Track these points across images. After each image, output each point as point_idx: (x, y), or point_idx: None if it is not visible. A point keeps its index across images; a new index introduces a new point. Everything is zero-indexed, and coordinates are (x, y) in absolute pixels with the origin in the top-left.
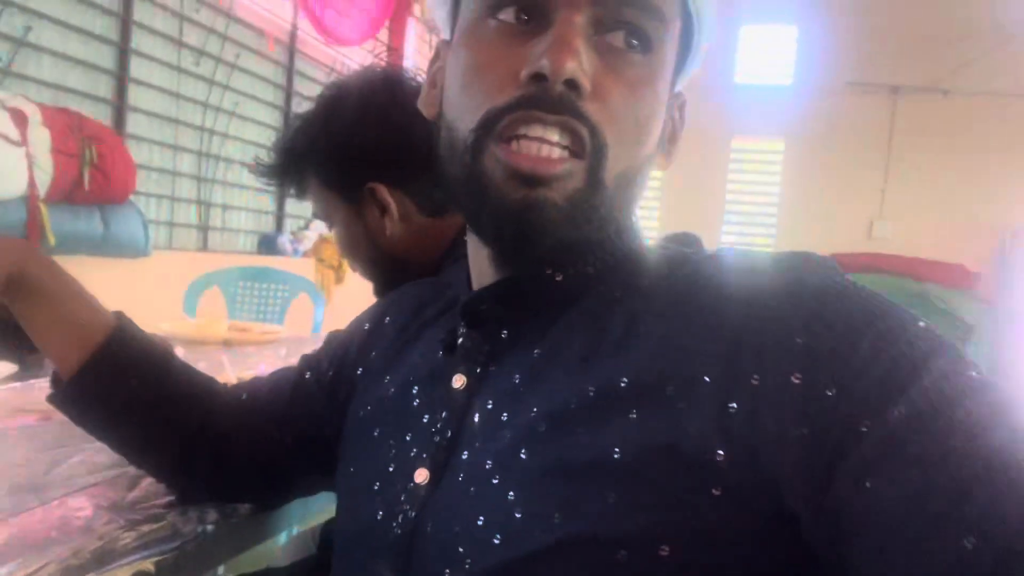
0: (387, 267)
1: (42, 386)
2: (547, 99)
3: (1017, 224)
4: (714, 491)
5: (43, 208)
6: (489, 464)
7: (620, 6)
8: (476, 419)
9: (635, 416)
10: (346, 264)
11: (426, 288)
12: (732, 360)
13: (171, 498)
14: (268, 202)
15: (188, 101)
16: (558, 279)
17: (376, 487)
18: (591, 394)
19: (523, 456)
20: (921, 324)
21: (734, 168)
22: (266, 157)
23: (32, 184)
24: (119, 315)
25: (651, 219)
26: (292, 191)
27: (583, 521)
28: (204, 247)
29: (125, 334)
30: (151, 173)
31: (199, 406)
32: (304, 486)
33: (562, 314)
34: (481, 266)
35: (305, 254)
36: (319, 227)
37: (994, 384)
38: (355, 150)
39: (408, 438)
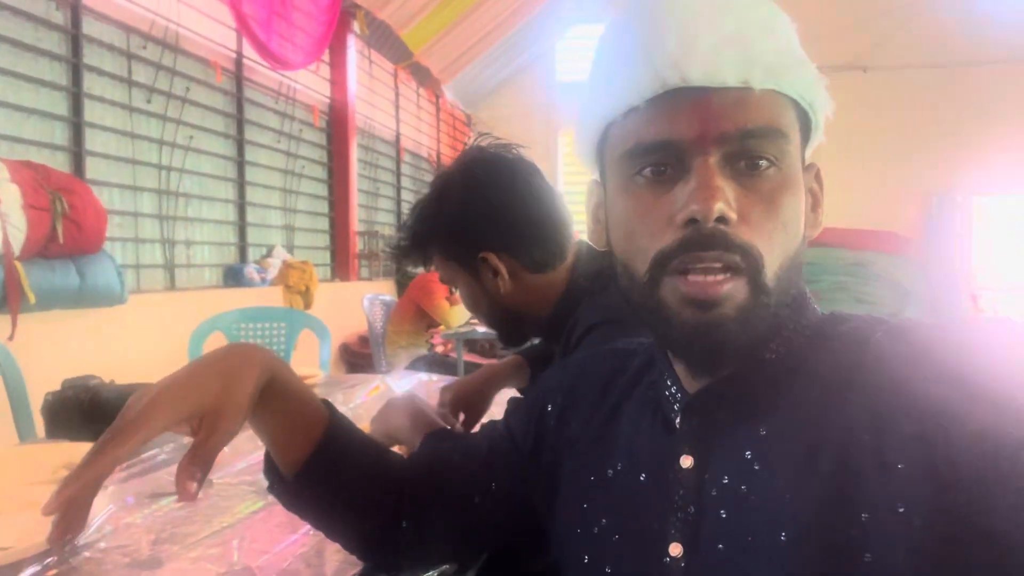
0: (506, 318)
1: (149, 465)
2: (702, 239)
3: (944, 189)
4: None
5: (19, 266)
6: (751, 539)
7: (743, 140)
8: (714, 492)
9: (883, 487)
10: (313, 289)
11: (610, 358)
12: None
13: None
14: (230, 233)
15: (143, 140)
16: (764, 373)
17: (624, 564)
18: (827, 475)
19: (783, 538)
20: None
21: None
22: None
23: (6, 243)
24: (327, 403)
25: None
26: (420, 264)
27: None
28: (172, 286)
29: (337, 423)
30: (113, 217)
31: (399, 480)
32: (496, 543)
33: (776, 395)
34: (682, 368)
35: (272, 282)
36: (282, 253)
37: None
38: (465, 228)
39: (648, 516)
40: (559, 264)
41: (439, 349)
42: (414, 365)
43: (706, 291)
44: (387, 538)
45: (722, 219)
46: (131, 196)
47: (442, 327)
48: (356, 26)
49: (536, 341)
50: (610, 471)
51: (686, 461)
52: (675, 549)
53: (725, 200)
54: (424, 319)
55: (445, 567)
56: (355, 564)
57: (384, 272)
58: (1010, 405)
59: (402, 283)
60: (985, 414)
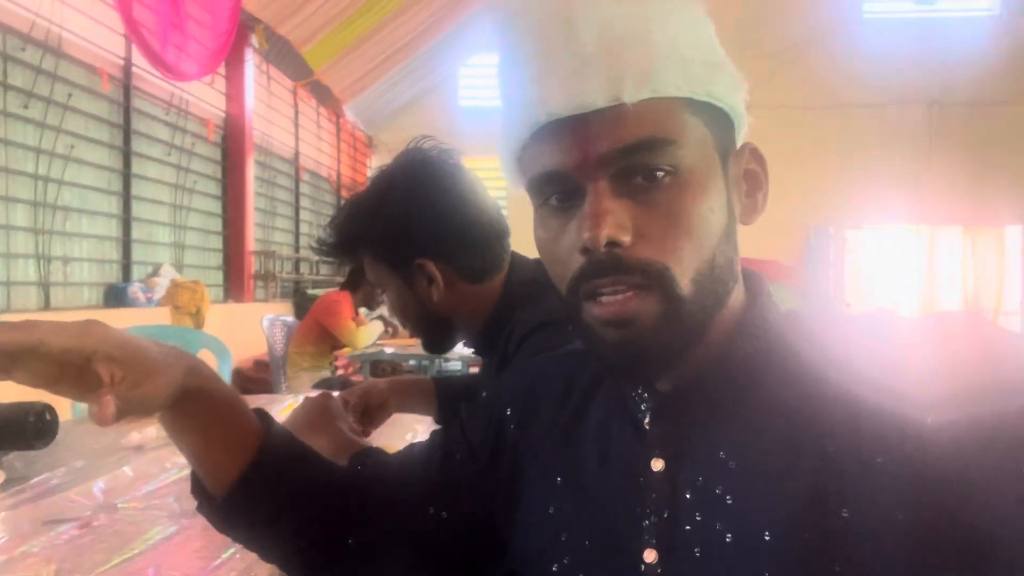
0: (435, 326)
1: (41, 490)
2: (599, 266)
3: (820, 222)
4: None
5: None
6: (729, 540)
7: (625, 157)
8: (688, 495)
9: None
10: (205, 310)
11: (568, 361)
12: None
13: None
14: (113, 250)
15: (18, 147)
16: (732, 373)
17: (596, 571)
18: (807, 472)
19: (766, 537)
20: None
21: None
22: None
23: None
24: (261, 413)
25: None
26: (346, 263)
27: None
28: (46, 306)
29: (274, 435)
30: None
31: (343, 494)
32: (451, 556)
33: (746, 394)
34: None
35: (159, 303)
36: (170, 272)
37: None
38: (405, 233)
39: (620, 521)
40: (496, 275)
41: (341, 372)
42: (320, 387)
43: (619, 310)
44: (331, 558)
45: (615, 243)
46: (3, 208)
47: (347, 348)
48: (255, 40)
49: (467, 351)
50: (578, 474)
51: (657, 464)
52: (650, 555)
53: (615, 224)
54: (328, 340)
55: None
56: None
57: (281, 293)
58: (973, 400)
59: (301, 304)
60: (951, 409)
